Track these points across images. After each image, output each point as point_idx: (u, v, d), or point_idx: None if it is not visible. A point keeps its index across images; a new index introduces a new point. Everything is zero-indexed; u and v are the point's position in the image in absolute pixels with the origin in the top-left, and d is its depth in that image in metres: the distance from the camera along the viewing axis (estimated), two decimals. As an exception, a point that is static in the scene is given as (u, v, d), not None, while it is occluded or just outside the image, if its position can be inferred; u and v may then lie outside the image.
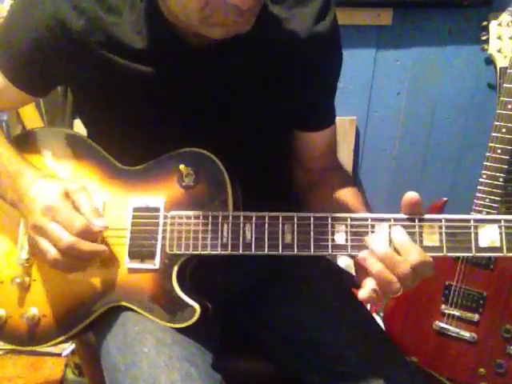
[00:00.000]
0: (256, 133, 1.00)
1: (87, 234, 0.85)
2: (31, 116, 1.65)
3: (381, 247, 0.77)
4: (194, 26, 0.80)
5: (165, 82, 0.92)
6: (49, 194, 0.86)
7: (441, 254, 0.77)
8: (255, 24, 0.82)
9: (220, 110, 0.96)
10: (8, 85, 0.97)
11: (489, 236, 0.76)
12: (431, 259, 0.78)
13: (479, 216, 0.77)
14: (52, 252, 0.84)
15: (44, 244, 0.84)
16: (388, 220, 0.78)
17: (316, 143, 1.09)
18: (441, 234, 0.77)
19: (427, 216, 0.78)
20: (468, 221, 0.77)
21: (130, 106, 0.95)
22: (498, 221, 0.76)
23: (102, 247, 0.88)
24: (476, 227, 0.76)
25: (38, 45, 0.91)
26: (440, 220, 0.77)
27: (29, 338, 0.96)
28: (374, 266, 0.77)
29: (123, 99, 0.94)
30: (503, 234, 0.75)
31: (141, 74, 0.90)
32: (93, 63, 0.91)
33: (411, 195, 0.78)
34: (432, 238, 0.77)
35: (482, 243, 0.76)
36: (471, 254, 0.76)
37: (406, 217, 0.78)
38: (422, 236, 0.77)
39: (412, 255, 0.76)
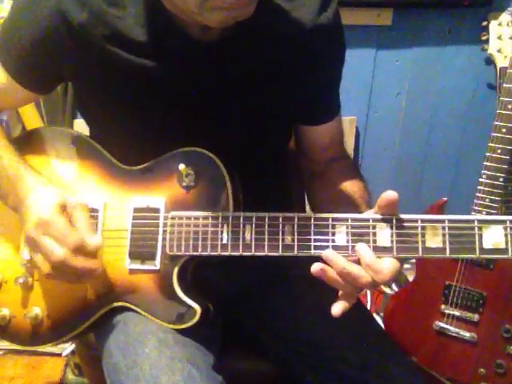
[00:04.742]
0: (258, 130, 0.99)
1: (81, 250, 0.84)
2: (31, 116, 1.65)
3: (337, 263, 0.77)
4: (193, 12, 0.78)
5: (168, 75, 0.91)
6: (44, 206, 0.85)
7: (444, 256, 0.76)
8: (258, 15, 0.82)
9: (223, 104, 0.95)
10: (11, 82, 0.97)
11: (493, 237, 0.74)
12: (397, 265, 0.77)
13: (483, 217, 0.76)
14: (44, 266, 0.84)
15: (36, 258, 0.84)
16: (390, 221, 0.78)
17: (320, 136, 1.08)
18: (444, 235, 0.76)
19: (430, 217, 0.77)
20: (472, 222, 0.75)
21: (133, 101, 0.94)
22: (503, 221, 0.74)
23: (95, 265, 0.86)
24: (480, 228, 0.75)
25: (41, 40, 0.90)
26: (443, 221, 0.76)
27: (32, 337, 0.96)
28: (331, 279, 0.78)
29: (126, 94, 0.93)
30: (508, 236, 0.74)
31: (144, 67, 0.90)
32: (95, 57, 0.90)
33: (391, 194, 0.77)
34: (435, 240, 0.76)
35: (487, 245, 0.75)
36: (475, 256, 0.75)
37: (408, 217, 0.77)
38: (424, 237, 0.76)
39: (380, 276, 0.76)
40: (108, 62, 0.90)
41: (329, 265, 0.78)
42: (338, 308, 0.79)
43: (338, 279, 0.77)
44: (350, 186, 1.01)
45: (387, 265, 0.77)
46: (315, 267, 0.78)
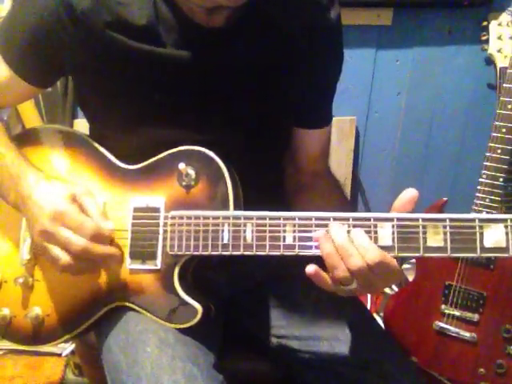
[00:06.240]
0: (258, 123, 0.99)
1: (99, 236, 0.85)
2: (31, 116, 1.65)
3: (339, 235, 0.77)
4: None
5: (170, 61, 0.91)
6: (56, 199, 0.86)
7: (445, 255, 0.75)
8: (264, 7, 0.82)
9: (224, 92, 0.95)
10: (13, 76, 0.96)
11: (494, 236, 0.74)
12: (394, 262, 0.77)
13: (484, 215, 0.76)
14: (64, 257, 0.83)
15: (55, 250, 0.84)
16: (391, 219, 0.77)
17: (311, 143, 1.09)
18: (445, 234, 0.75)
19: (431, 216, 0.76)
20: (473, 220, 0.75)
21: (135, 88, 0.93)
22: (504, 220, 0.74)
23: (115, 249, 0.88)
24: (481, 227, 0.74)
25: (43, 30, 0.90)
26: (444, 220, 0.76)
27: (33, 337, 0.96)
28: (325, 247, 0.77)
29: (128, 81, 0.93)
30: (509, 234, 0.74)
31: (147, 53, 0.89)
32: (98, 45, 0.89)
33: (413, 192, 0.78)
34: (436, 239, 0.76)
35: (488, 243, 0.74)
36: (476, 255, 0.74)
37: (409, 216, 0.77)
38: (425, 235, 0.76)
39: (369, 253, 0.75)
40: (111, 49, 0.89)
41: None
42: (312, 268, 0.78)
43: (333, 253, 0.77)
44: (335, 203, 1.04)
45: (379, 250, 0.76)
46: (319, 232, 0.78)
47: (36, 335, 0.96)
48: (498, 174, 1.38)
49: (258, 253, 0.83)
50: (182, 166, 0.88)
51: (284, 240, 0.81)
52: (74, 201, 0.87)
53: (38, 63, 0.96)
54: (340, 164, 1.97)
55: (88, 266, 0.87)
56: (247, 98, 0.96)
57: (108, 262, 0.89)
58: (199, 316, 0.87)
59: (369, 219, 0.78)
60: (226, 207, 0.87)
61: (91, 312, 0.93)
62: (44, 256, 0.88)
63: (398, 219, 0.77)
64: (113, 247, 0.88)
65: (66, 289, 0.94)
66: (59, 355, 1.81)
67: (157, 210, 0.90)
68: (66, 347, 1.79)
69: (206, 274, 0.96)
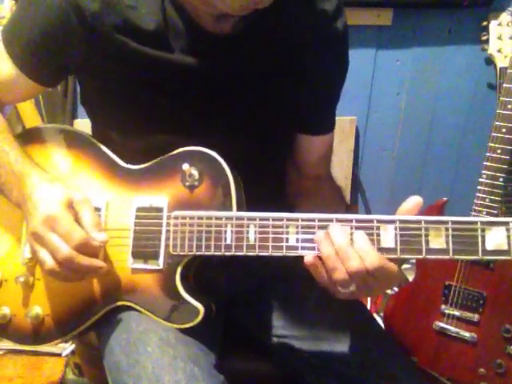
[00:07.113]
0: (260, 128, 0.99)
1: (86, 247, 0.84)
2: (31, 116, 1.64)
3: (339, 236, 0.77)
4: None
5: (178, 68, 0.91)
6: (51, 203, 0.85)
7: (447, 257, 0.76)
8: (270, 16, 0.82)
9: (227, 98, 0.95)
10: (19, 75, 0.96)
11: (496, 239, 0.74)
12: (394, 267, 0.77)
13: (486, 218, 0.76)
14: (49, 262, 0.83)
15: (42, 253, 0.84)
16: (393, 221, 0.77)
17: (314, 149, 1.09)
18: (447, 236, 0.76)
19: (433, 218, 0.77)
20: (475, 223, 0.75)
21: (142, 93, 0.93)
22: (506, 223, 0.74)
23: (100, 263, 0.86)
24: (483, 230, 0.75)
25: (50, 30, 0.90)
26: (447, 222, 0.76)
27: (33, 336, 0.96)
28: (325, 249, 0.77)
29: (135, 86, 0.93)
30: (511, 237, 0.74)
31: (155, 59, 0.89)
32: (105, 48, 0.89)
33: (418, 200, 0.78)
34: (438, 241, 0.76)
35: (489, 246, 0.74)
36: (478, 258, 0.75)
37: (412, 219, 0.77)
38: (427, 238, 0.76)
39: (369, 257, 0.75)
40: (118, 52, 0.89)
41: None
42: (311, 256, 0.79)
43: (333, 255, 0.77)
44: (336, 207, 1.04)
45: (379, 255, 0.76)
46: (319, 233, 0.79)
47: (36, 334, 0.96)
48: (498, 174, 1.39)
49: (260, 254, 0.83)
50: (185, 166, 0.88)
51: (287, 241, 0.82)
52: (69, 207, 0.86)
53: (43, 62, 0.95)
54: (340, 164, 1.98)
55: (75, 276, 0.86)
56: (252, 104, 0.97)
57: (94, 274, 0.88)
58: (201, 316, 0.87)
59: (371, 221, 0.78)
60: (229, 208, 0.87)
61: (92, 311, 0.93)
62: (35, 257, 0.87)
63: (401, 221, 0.77)
64: (99, 261, 0.87)
65: (67, 288, 0.93)
66: (59, 355, 1.80)
67: (160, 209, 0.90)
68: (66, 347, 1.79)
69: (207, 274, 0.96)
